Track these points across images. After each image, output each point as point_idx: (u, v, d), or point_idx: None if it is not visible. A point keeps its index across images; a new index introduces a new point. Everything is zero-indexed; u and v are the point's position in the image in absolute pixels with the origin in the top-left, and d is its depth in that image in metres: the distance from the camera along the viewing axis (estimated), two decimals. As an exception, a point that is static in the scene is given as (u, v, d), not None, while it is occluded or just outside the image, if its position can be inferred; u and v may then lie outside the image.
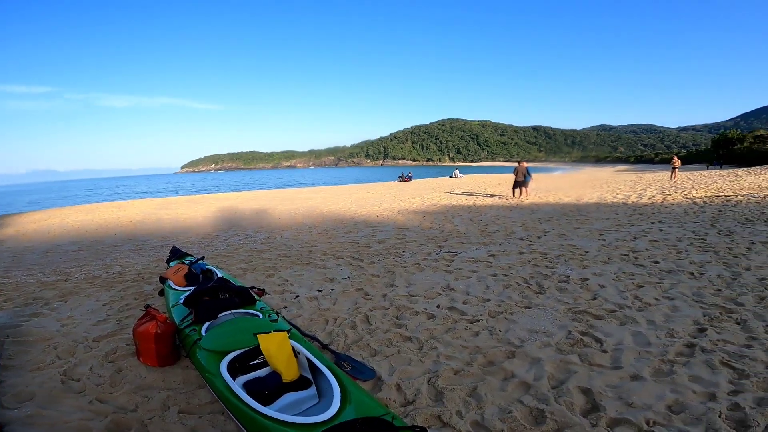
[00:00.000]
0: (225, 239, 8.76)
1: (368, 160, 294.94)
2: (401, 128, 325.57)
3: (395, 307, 3.94)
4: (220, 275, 4.22)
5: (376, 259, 6.00)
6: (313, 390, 2.29)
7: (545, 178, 28.49)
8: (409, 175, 34.21)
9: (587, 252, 5.81)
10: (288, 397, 2.22)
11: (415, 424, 2.06)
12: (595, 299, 3.92)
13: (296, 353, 2.50)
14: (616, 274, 4.66)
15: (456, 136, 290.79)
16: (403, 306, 3.96)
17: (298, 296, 4.41)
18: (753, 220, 7.66)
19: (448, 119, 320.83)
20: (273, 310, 3.43)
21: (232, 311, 3.16)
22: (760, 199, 10.70)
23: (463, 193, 17.96)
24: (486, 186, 22.69)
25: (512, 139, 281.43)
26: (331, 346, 3.16)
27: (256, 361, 2.50)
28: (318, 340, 3.21)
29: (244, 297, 3.36)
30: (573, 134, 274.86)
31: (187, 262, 4.66)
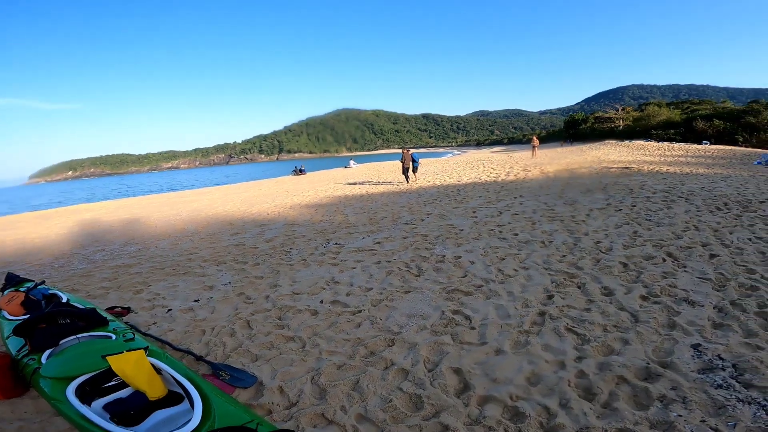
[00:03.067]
0: (84, 257, 7.56)
1: (263, 156, 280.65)
2: (296, 121, 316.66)
3: (278, 308, 3.85)
4: (65, 299, 3.71)
5: (261, 259, 5.76)
6: (186, 405, 2.21)
7: (434, 163, 30.29)
8: (302, 168, 33.48)
9: (462, 230, 6.35)
10: (158, 415, 2.15)
11: (283, 428, 2.02)
12: (465, 276, 4.29)
13: (158, 370, 2.41)
14: (484, 249, 5.17)
15: (351, 125, 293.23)
16: (286, 306, 3.88)
17: (170, 310, 4.08)
18: (592, 189, 9.16)
19: (343, 110, 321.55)
20: (131, 328, 3.25)
21: (78, 336, 2.94)
22: (598, 170, 12.85)
23: (356, 183, 18.18)
24: (379, 174, 23.29)
25: (405, 126, 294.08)
26: (208, 357, 3.01)
27: (113, 383, 2.40)
28: (192, 353, 3.04)
29: (90, 320, 3.14)
30: (457, 120, 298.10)
31: (23, 289, 4.01)
